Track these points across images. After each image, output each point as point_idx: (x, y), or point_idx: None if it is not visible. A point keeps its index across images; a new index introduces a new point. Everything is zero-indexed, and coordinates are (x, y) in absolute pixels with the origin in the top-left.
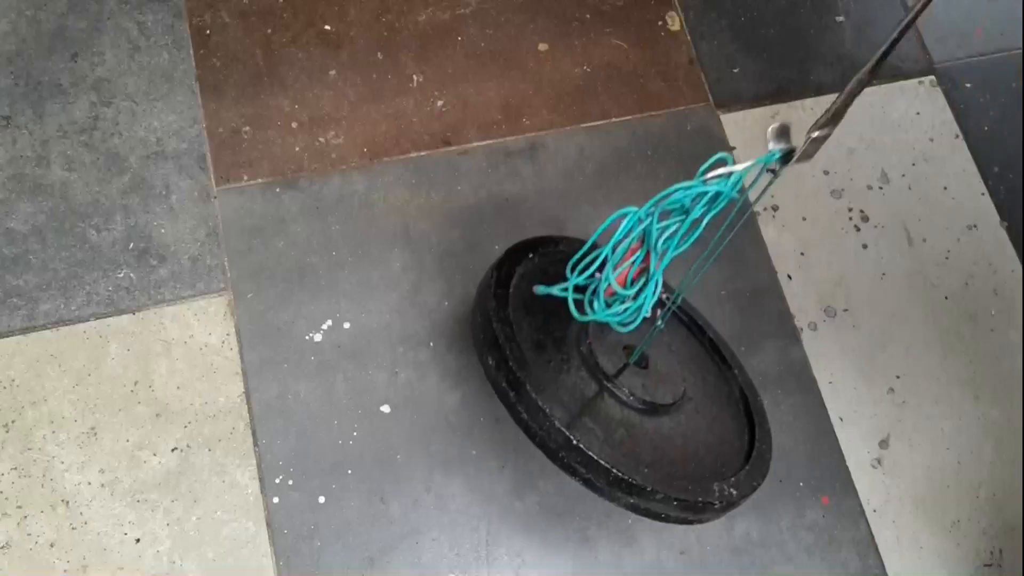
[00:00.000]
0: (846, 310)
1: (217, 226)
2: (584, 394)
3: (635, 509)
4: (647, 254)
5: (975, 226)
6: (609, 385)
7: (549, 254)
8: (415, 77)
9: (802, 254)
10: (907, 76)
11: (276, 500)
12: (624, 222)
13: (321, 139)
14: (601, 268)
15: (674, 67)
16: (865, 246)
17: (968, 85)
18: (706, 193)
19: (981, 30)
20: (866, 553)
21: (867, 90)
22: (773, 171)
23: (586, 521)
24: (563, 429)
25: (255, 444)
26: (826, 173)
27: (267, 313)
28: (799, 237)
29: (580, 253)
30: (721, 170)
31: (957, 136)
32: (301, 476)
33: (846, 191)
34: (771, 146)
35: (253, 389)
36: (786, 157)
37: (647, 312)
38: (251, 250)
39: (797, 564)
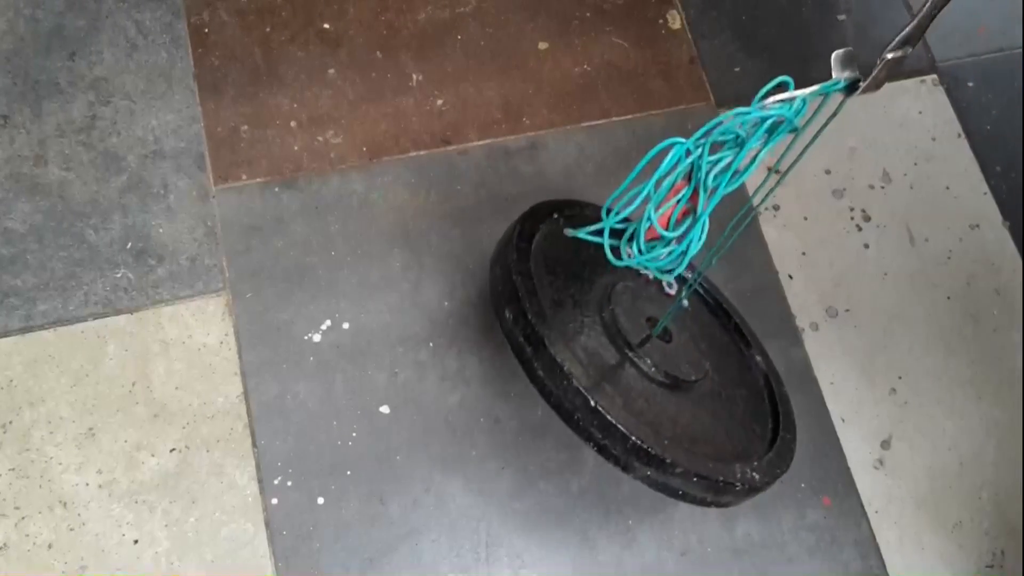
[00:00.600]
0: (847, 310)
1: (215, 226)
2: (604, 360)
3: (651, 482)
4: (694, 192)
5: (977, 225)
6: (631, 354)
7: (575, 216)
8: (415, 76)
9: (803, 254)
10: (909, 75)
11: (275, 501)
12: (670, 155)
13: (320, 138)
14: (642, 210)
15: (675, 66)
16: (867, 246)
17: (970, 84)
18: (766, 119)
19: (983, 29)
20: (868, 554)
21: None
22: (778, 171)
23: (586, 522)
24: (581, 389)
25: (254, 445)
26: (827, 173)
27: (266, 313)
28: (800, 237)
29: (618, 192)
30: (783, 95)
31: (959, 135)
32: (300, 477)
33: (847, 191)
34: (835, 75)
35: (252, 389)
36: (852, 87)
37: (696, 251)
38: (249, 250)
39: (798, 565)
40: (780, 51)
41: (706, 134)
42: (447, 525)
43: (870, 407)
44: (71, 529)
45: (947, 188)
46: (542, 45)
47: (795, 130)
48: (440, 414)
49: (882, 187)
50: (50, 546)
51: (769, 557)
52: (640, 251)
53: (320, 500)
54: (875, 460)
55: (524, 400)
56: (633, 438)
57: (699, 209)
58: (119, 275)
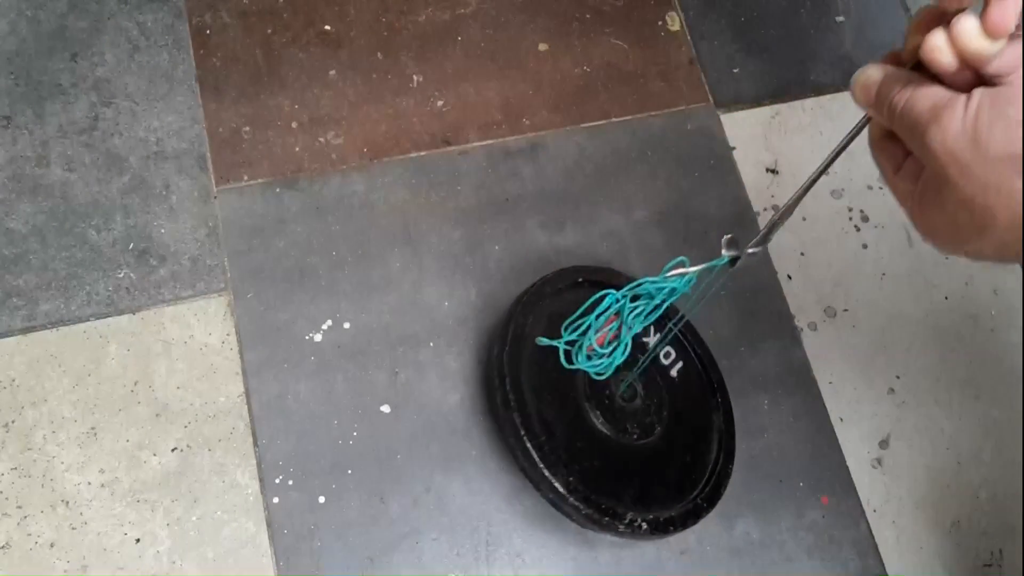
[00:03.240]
0: (846, 310)
1: (217, 226)
2: (562, 402)
3: (552, 504)
4: (620, 325)
5: None
6: (586, 404)
7: (600, 283)
8: (415, 77)
9: (802, 254)
10: None
11: (276, 500)
12: (605, 300)
13: (321, 139)
14: (586, 332)
15: (674, 67)
16: (865, 246)
17: None
18: (665, 287)
19: None
20: (866, 553)
21: None
22: (776, 172)
23: None
24: (516, 417)
25: (255, 444)
26: (826, 173)
27: (267, 313)
28: (799, 237)
29: (571, 319)
30: (680, 270)
31: None
32: (301, 476)
33: (846, 191)
34: (723, 252)
35: (253, 389)
36: (732, 262)
37: (619, 362)
38: (251, 250)
39: (797, 564)
40: (778, 52)
41: (630, 289)
42: (447, 524)
43: (868, 406)
44: (73, 528)
45: None
46: (542, 46)
47: (686, 293)
48: (440, 414)
49: (880, 188)
50: (52, 545)
51: (768, 556)
52: (582, 360)
53: (321, 499)
54: (873, 459)
55: None
56: (541, 465)
57: (621, 336)
58: (121, 275)
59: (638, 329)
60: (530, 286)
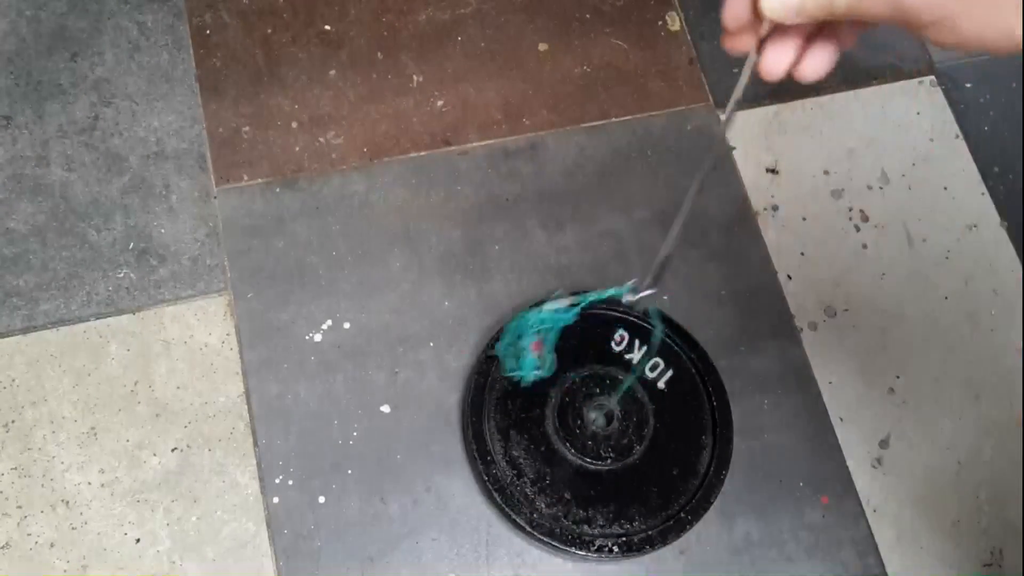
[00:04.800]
0: (846, 310)
1: (217, 226)
2: (534, 435)
3: (517, 528)
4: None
5: (975, 226)
6: (556, 438)
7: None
8: (415, 77)
9: (802, 254)
10: (907, 76)
11: (276, 500)
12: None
13: (321, 139)
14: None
15: (674, 67)
16: (865, 246)
17: (968, 85)
18: (548, 318)
19: None
20: (866, 553)
21: (867, 90)
22: (776, 172)
23: None
24: (479, 466)
25: (255, 444)
26: (826, 173)
27: (267, 313)
28: (799, 237)
29: (507, 328)
30: (553, 303)
31: (957, 136)
32: (301, 476)
33: (846, 191)
34: (627, 284)
35: (253, 389)
36: (633, 290)
37: (527, 374)
38: (251, 250)
39: (797, 564)
40: None
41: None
42: (447, 524)
43: (868, 406)
44: (73, 528)
45: (945, 189)
46: (542, 46)
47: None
48: (440, 413)
49: (880, 188)
50: (52, 545)
51: (768, 556)
52: (510, 366)
53: (321, 499)
54: (873, 459)
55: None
56: (506, 508)
57: (543, 353)
58: (121, 275)
59: (553, 342)
60: (496, 332)
